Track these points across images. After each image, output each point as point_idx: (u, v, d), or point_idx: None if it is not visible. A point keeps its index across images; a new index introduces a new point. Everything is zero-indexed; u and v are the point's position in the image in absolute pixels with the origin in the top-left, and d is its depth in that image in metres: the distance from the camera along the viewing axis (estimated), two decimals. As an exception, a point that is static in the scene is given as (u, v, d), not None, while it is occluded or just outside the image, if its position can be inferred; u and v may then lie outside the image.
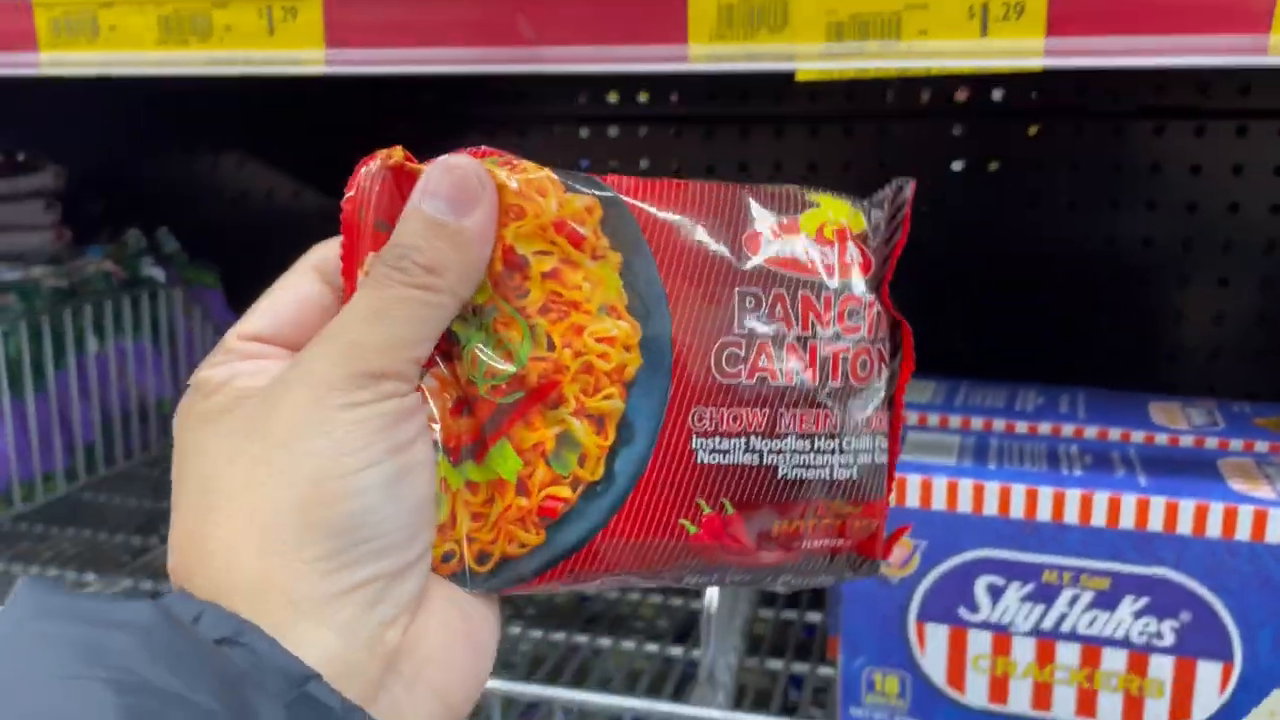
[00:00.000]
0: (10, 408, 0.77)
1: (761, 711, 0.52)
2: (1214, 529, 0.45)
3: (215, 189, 1.01)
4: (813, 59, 0.39)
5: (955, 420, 0.58)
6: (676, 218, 0.29)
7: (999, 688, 0.49)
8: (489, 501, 0.28)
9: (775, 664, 0.63)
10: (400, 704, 0.26)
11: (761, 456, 0.29)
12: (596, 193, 0.29)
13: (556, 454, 0.28)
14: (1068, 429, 0.56)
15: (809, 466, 0.30)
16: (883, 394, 0.31)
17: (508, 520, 0.28)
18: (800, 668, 0.62)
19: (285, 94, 0.88)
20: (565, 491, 0.28)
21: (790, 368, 0.29)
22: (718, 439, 0.29)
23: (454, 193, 0.27)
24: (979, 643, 0.49)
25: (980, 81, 0.84)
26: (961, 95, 0.85)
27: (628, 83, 0.91)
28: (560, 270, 0.28)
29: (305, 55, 0.43)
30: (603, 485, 0.28)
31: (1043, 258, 0.84)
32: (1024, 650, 0.48)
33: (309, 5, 0.42)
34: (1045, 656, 0.48)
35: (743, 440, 0.29)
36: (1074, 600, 0.47)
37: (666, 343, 0.29)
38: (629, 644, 0.66)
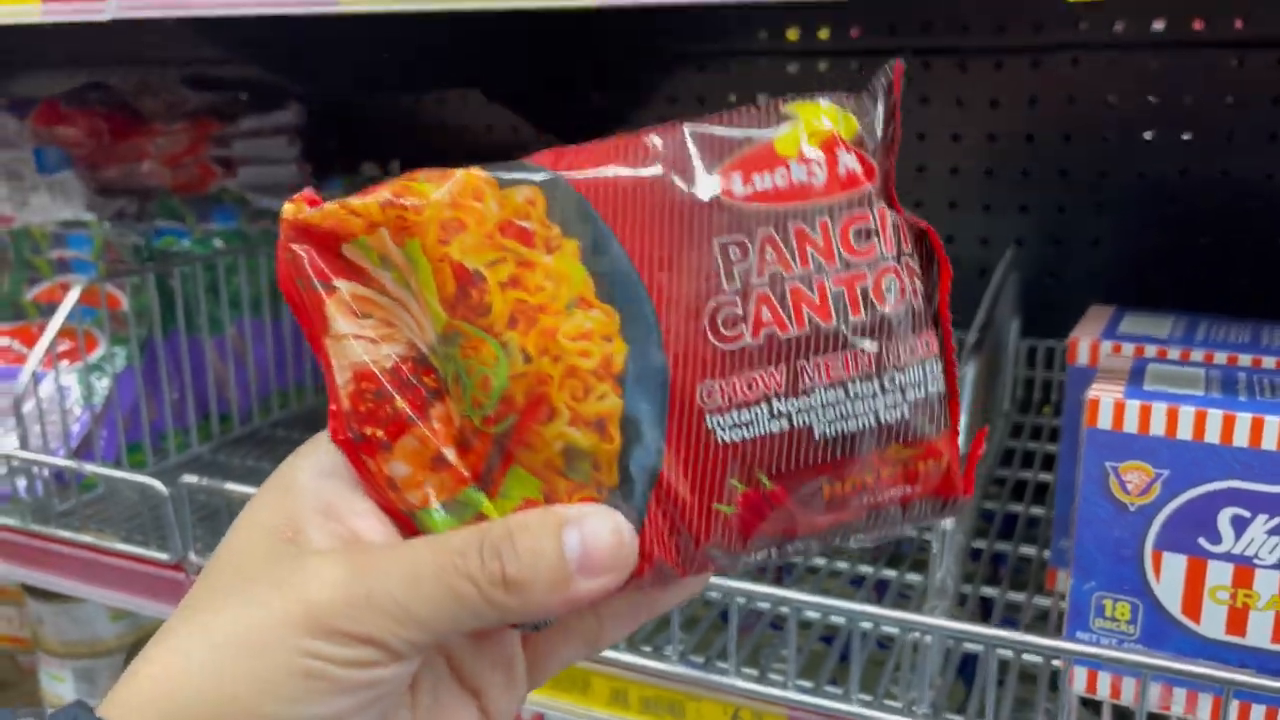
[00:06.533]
0: (270, 324, 0.85)
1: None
2: None
3: (440, 124, 1.07)
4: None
5: (1198, 355, 0.57)
6: (626, 179, 0.26)
7: (1237, 619, 0.49)
8: None
9: (990, 591, 0.64)
10: None
11: (791, 419, 0.26)
12: (533, 178, 0.26)
13: (570, 466, 0.26)
14: (1321, 366, 0.55)
15: (849, 417, 0.26)
16: (923, 313, 0.27)
17: None
18: (1015, 597, 0.63)
19: (505, 34, 0.92)
20: (592, 493, 0.26)
21: (800, 314, 0.26)
22: (735, 412, 0.26)
23: (603, 567, 0.25)
24: (1219, 573, 0.48)
25: (1180, 11, 0.80)
26: (1159, 24, 0.82)
27: (810, 17, 0.90)
28: (519, 275, 0.26)
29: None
30: (624, 488, 0.26)
31: (1241, 189, 0.81)
32: (1268, 583, 0.48)
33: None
34: (1291, 591, 0.47)
35: (764, 406, 0.26)
36: (1326, 535, 0.46)
37: (652, 321, 0.26)
38: (842, 564, 0.68)
